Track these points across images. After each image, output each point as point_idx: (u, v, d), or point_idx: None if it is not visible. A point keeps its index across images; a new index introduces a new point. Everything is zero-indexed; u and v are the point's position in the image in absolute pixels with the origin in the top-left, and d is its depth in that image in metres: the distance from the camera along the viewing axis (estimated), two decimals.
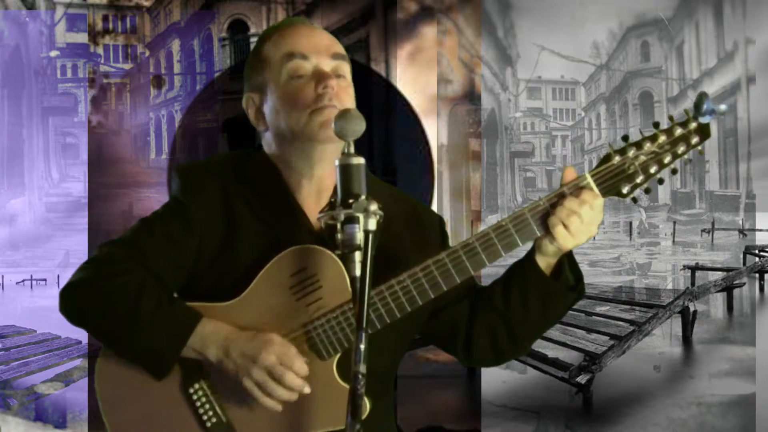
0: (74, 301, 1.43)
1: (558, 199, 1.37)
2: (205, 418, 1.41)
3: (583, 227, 1.37)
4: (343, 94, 1.45)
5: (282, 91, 1.45)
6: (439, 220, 1.58)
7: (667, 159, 1.37)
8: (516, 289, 1.46)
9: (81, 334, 6.44)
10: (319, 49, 1.46)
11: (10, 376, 5.20)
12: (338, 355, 1.40)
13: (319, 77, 1.44)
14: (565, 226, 1.36)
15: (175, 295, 1.46)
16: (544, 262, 1.43)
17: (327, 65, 1.45)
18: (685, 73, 14.23)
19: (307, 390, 1.36)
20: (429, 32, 8.10)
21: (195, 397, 1.41)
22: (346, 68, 1.49)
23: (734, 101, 12.62)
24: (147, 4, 12.09)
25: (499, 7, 12.14)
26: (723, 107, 1.33)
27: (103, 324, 1.42)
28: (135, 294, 1.39)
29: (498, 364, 1.58)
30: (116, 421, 1.45)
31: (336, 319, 1.39)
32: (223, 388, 1.41)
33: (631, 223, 14.43)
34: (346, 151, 1.29)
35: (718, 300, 8.66)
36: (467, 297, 1.51)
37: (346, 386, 1.37)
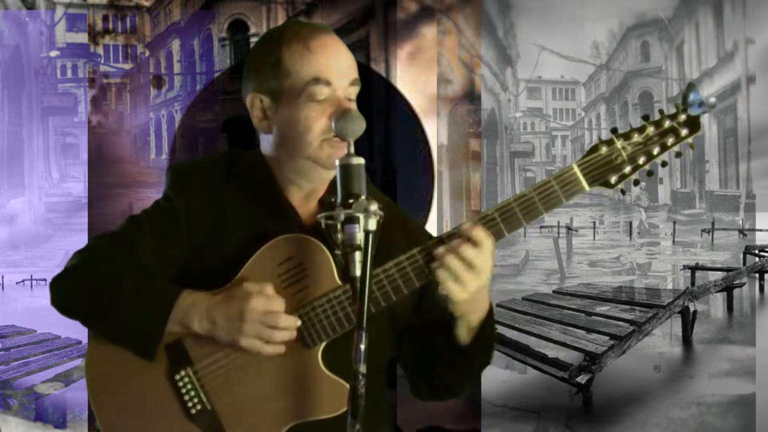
0: (59, 290, 1.47)
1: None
2: (190, 405, 1.42)
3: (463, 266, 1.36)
4: None
5: (298, 112, 1.46)
6: (428, 238, 1.60)
7: (655, 150, 1.37)
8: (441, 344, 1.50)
9: (81, 334, 6.44)
10: (342, 76, 1.47)
11: (10, 376, 5.20)
12: (323, 344, 1.41)
13: (336, 106, 1.44)
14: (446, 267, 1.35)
15: None
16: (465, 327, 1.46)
17: (343, 92, 1.47)
18: (685, 73, 14.22)
19: (298, 322, 1.37)
20: (429, 32, 8.09)
21: (181, 384, 1.42)
22: (356, 92, 1.51)
23: (734, 101, 12.60)
24: (147, 4, 12.08)
25: (499, 7, 12.12)
26: (712, 100, 1.33)
27: (88, 309, 1.46)
28: (116, 276, 1.42)
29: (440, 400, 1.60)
30: (102, 404, 1.46)
31: (322, 307, 1.40)
32: (209, 376, 1.42)
33: (631, 223, 14.42)
34: (346, 151, 1.30)
35: (718, 300, 8.65)
36: (421, 336, 1.53)
37: (331, 375, 1.39)
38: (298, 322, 1.39)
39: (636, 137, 1.37)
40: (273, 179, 1.51)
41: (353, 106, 1.49)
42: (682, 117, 1.36)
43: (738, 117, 12.49)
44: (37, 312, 7.69)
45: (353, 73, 1.50)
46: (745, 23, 12.22)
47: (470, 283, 1.35)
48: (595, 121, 17.84)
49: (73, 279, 1.47)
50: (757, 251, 10.34)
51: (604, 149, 1.37)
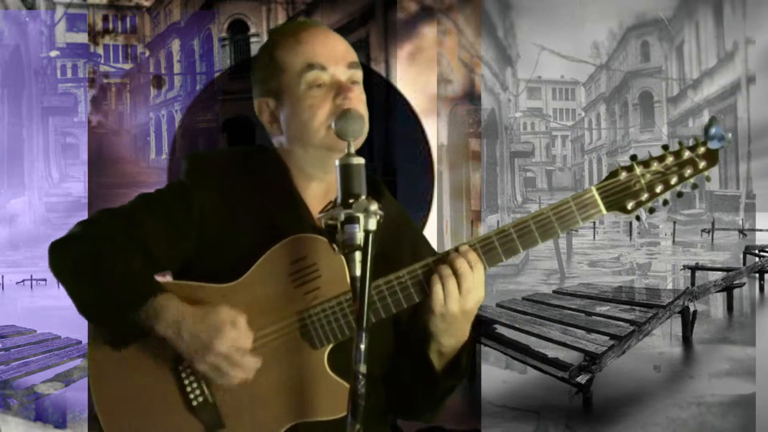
0: (55, 255, 1.46)
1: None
2: (191, 397, 1.41)
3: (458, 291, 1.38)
4: (358, 103, 1.47)
5: (300, 102, 1.46)
6: (433, 254, 1.62)
7: (673, 180, 1.39)
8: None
9: (81, 334, 6.44)
10: (337, 59, 1.47)
11: (10, 376, 5.20)
12: (330, 346, 1.41)
13: (338, 89, 1.45)
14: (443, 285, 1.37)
15: (170, 278, 1.48)
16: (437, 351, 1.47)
17: (343, 74, 1.47)
18: (685, 73, 14.22)
19: (258, 364, 1.37)
20: (429, 32, 8.09)
21: (184, 375, 1.41)
22: (359, 75, 1.51)
23: (734, 101, 12.61)
24: (147, 4, 12.09)
25: (499, 7, 12.13)
26: (729, 135, 1.36)
27: (74, 283, 1.44)
28: (107, 257, 1.41)
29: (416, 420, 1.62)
30: (102, 393, 1.45)
31: (332, 309, 1.40)
32: None
33: (631, 223, 14.43)
34: (346, 151, 1.30)
35: (718, 300, 8.65)
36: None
37: (336, 378, 1.39)
38: (258, 364, 1.38)
39: (655, 166, 1.39)
40: (289, 176, 1.52)
41: (357, 89, 1.49)
42: (701, 149, 1.39)
43: (738, 117, 12.49)
44: (37, 312, 7.69)
45: (350, 56, 1.50)
46: (745, 23, 12.21)
47: (453, 294, 1.37)
48: (595, 121, 17.85)
49: (69, 249, 1.45)
50: (757, 251, 10.34)
51: (623, 175, 1.40)
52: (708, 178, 1.40)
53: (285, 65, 1.48)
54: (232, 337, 1.35)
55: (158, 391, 1.41)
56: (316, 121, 1.45)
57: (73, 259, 1.44)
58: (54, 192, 11.19)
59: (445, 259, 1.38)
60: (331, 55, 1.47)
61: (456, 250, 1.38)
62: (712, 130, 1.36)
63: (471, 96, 9.39)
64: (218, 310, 1.36)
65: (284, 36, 1.51)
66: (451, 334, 1.43)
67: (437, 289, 1.36)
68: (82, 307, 1.44)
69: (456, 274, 1.36)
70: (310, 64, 1.46)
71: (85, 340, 6.38)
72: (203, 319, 1.36)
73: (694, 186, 1.40)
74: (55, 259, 1.46)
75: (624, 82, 15.99)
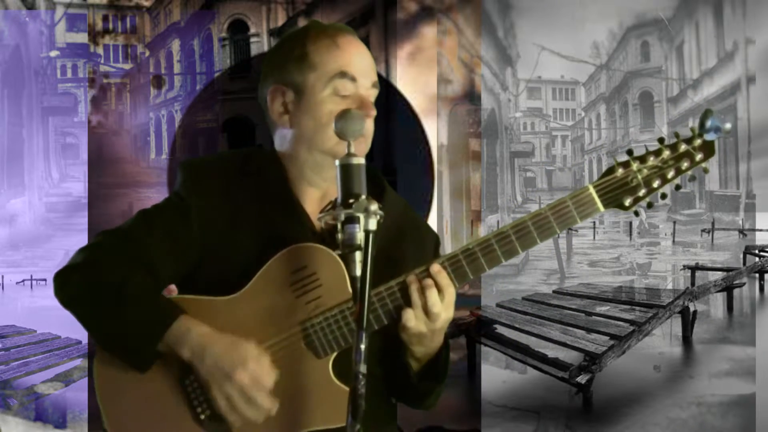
0: (62, 284, 1.45)
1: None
2: (199, 410, 1.41)
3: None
4: (371, 122, 1.48)
5: (322, 105, 1.46)
6: (436, 240, 1.61)
7: (670, 174, 1.38)
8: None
9: (81, 334, 6.44)
10: (366, 74, 1.48)
11: (10, 376, 5.20)
12: (334, 354, 1.40)
13: (360, 103, 1.45)
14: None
15: (174, 286, 1.47)
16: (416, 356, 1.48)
17: (367, 91, 1.47)
18: (685, 73, 14.21)
19: (274, 411, 1.36)
20: (429, 32, 8.09)
21: (190, 389, 1.41)
22: (376, 93, 1.51)
23: (734, 101, 12.60)
24: (147, 4, 12.09)
25: (499, 7, 12.12)
26: (728, 126, 1.34)
27: (86, 311, 1.43)
28: (118, 283, 1.40)
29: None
30: (112, 409, 1.44)
31: (334, 317, 1.39)
32: None
33: (631, 223, 14.42)
34: (346, 151, 1.30)
35: (718, 300, 8.65)
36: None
37: (341, 385, 1.39)
38: (274, 410, 1.37)
39: (651, 160, 1.38)
40: (287, 180, 1.51)
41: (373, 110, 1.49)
42: (698, 142, 1.38)
43: (738, 117, 12.48)
44: (37, 312, 7.69)
45: (374, 75, 1.51)
46: (745, 23, 12.20)
47: (421, 318, 1.38)
48: (595, 121, 17.84)
49: (77, 277, 1.44)
50: (757, 251, 10.33)
51: (619, 171, 1.39)
52: (706, 170, 1.39)
53: (317, 64, 1.47)
54: (253, 370, 1.35)
55: (167, 405, 1.41)
56: (331, 128, 1.45)
57: (81, 290, 1.43)
58: (54, 192, 11.18)
59: (419, 279, 1.38)
60: (363, 70, 1.47)
61: (428, 270, 1.38)
62: (708, 123, 1.35)
63: (471, 96, 9.38)
64: (247, 344, 1.36)
65: (322, 35, 1.50)
66: (422, 345, 1.44)
67: (407, 312, 1.37)
68: (100, 338, 1.43)
69: (425, 303, 1.37)
70: (344, 72, 1.45)
71: (85, 340, 6.38)
72: (230, 349, 1.36)
73: (692, 178, 1.40)
74: (61, 289, 1.45)
75: (624, 82, 15.98)
